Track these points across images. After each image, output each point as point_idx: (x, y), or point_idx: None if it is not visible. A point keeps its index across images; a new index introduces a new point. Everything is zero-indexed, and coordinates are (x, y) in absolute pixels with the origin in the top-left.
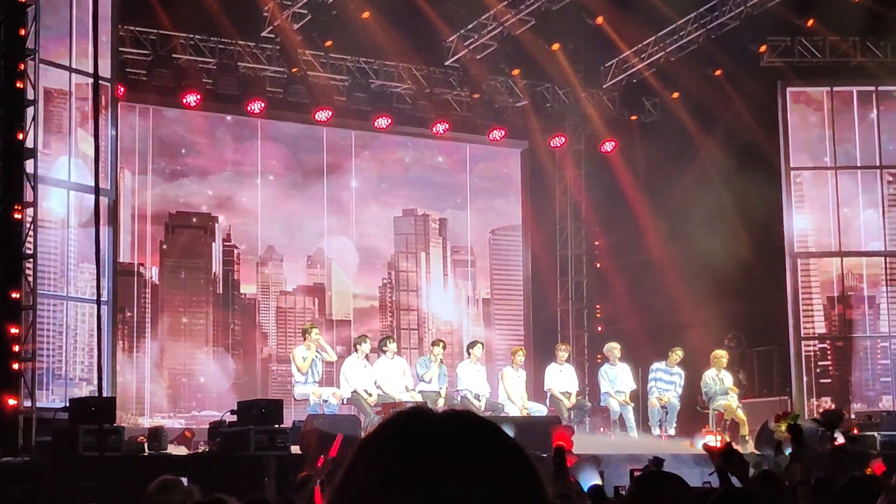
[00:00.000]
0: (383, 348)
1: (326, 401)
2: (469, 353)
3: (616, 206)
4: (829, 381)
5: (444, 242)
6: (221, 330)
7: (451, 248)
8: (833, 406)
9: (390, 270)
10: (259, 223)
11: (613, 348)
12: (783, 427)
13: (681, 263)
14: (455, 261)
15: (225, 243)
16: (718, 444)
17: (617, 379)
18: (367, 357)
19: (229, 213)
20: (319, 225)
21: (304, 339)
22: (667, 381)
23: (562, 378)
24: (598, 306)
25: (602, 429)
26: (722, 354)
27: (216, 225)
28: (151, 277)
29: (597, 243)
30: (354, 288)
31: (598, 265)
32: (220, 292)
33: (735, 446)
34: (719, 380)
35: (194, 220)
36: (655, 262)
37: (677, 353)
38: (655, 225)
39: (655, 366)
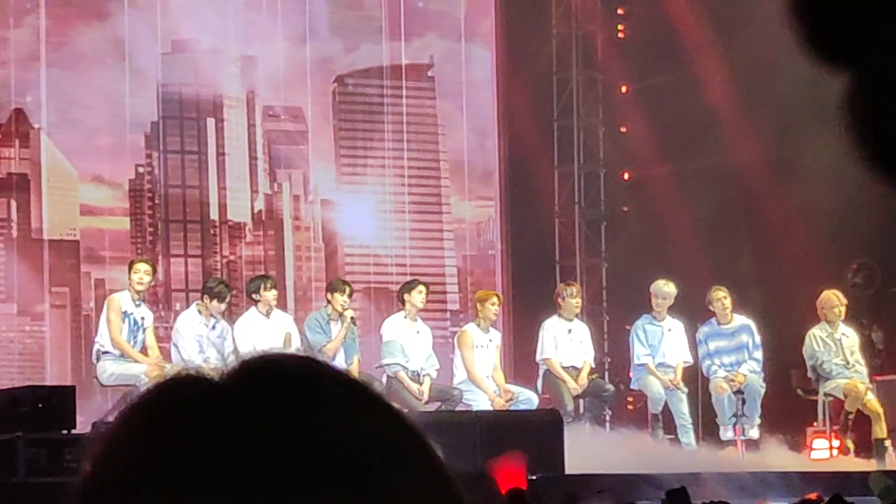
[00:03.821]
0: (253, 296)
1: None
2: (403, 302)
3: (657, 40)
4: None
5: (250, 100)
6: None
7: (265, 109)
8: None
9: (150, 151)
10: None
11: (662, 294)
12: None
13: (767, 135)
14: (275, 133)
15: None
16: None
17: (662, 344)
18: (221, 313)
19: None
20: (20, 65)
21: (130, 276)
22: (730, 349)
23: (567, 343)
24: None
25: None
26: (838, 299)
27: None
28: None
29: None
30: (83, 182)
31: (630, 172)
32: None
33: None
34: (834, 343)
35: None
36: (725, 138)
37: (719, 297)
38: (727, 71)
39: (703, 330)
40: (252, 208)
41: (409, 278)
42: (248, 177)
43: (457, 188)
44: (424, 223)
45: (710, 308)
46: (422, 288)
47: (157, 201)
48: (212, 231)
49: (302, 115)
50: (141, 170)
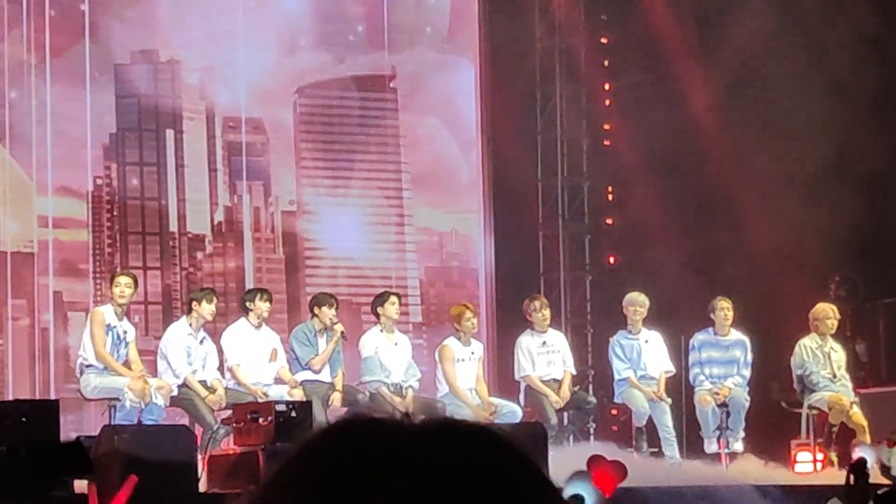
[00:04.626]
0: (247, 304)
1: (148, 402)
2: (377, 315)
3: (641, 54)
4: None
5: (210, 111)
6: None
7: (225, 120)
8: None
9: (108, 163)
10: None
11: (637, 303)
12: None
13: (751, 147)
14: (235, 144)
15: None
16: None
17: (641, 356)
18: (212, 316)
19: None
20: None
21: (112, 290)
22: (721, 361)
23: (543, 356)
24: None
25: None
26: (833, 312)
27: None
28: None
29: (606, 126)
30: (41, 194)
31: (613, 185)
32: None
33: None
34: (823, 356)
35: None
36: (710, 150)
37: (723, 307)
38: (712, 85)
39: (699, 338)
40: (212, 220)
41: (372, 290)
42: (207, 188)
43: (438, 200)
44: (389, 235)
45: (711, 317)
46: (394, 299)
47: (115, 213)
48: (171, 243)
49: (262, 127)
50: (100, 181)
